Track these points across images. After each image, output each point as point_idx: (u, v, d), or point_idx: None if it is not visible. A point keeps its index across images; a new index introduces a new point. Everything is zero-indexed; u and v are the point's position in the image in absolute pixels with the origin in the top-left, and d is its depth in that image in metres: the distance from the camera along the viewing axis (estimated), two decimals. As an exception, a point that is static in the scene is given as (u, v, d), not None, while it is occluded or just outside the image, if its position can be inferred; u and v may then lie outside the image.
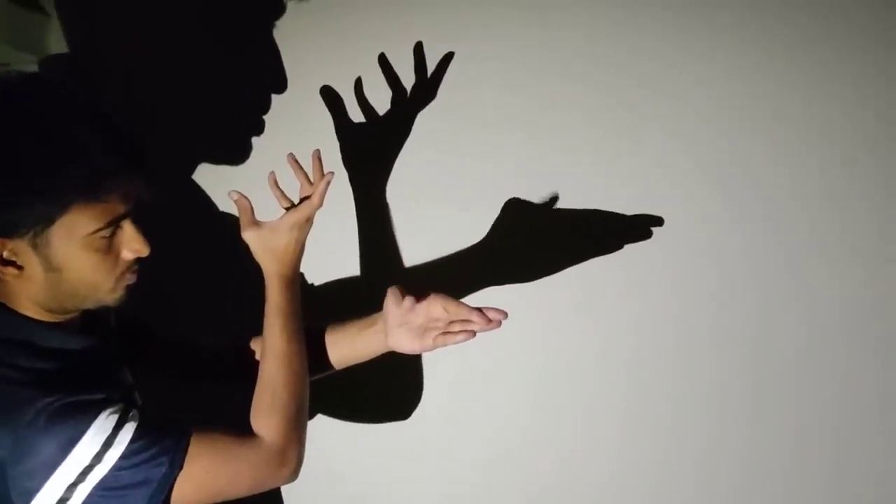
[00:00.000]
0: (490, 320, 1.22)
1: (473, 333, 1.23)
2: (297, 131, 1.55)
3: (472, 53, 1.55)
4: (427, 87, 1.57)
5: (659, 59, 1.51)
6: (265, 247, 1.23)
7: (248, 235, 1.23)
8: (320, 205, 1.23)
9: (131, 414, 1.06)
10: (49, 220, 1.02)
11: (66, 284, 1.07)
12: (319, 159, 1.26)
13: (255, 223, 1.24)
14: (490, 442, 1.63)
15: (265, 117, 1.57)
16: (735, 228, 1.53)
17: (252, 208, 1.24)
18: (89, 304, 1.12)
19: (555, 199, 1.55)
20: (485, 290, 1.57)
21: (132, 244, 1.09)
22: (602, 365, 1.58)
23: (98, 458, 1.03)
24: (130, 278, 1.12)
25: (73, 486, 1.03)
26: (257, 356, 1.31)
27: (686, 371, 1.56)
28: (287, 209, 1.25)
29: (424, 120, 1.57)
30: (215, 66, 1.59)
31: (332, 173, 1.23)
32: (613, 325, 1.57)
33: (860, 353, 1.53)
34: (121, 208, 1.06)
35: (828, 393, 1.54)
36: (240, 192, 1.24)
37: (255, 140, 1.58)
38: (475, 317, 1.22)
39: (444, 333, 1.25)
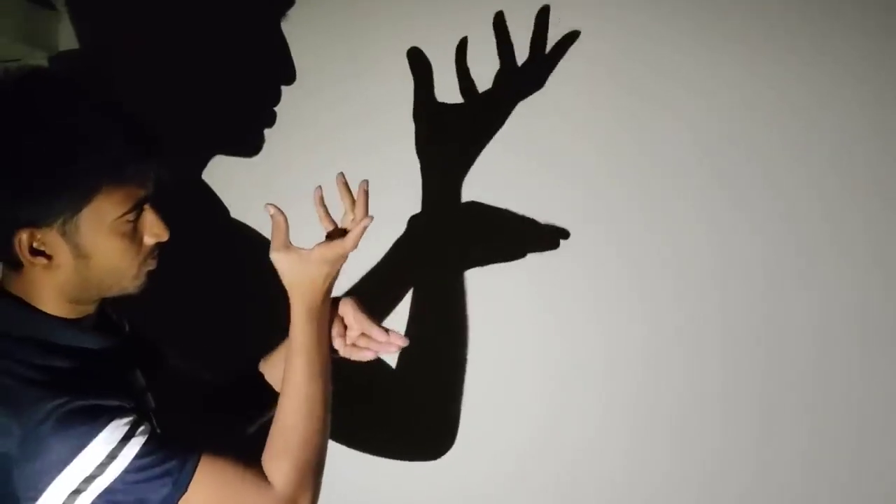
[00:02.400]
0: (391, 343, 1.21)
1: (376, 354, 1.22)
2: (306, 125, 1.56)
3: (472, 45, 1.53)
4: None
5: (666, 53, 1.49)
6: (293, 274, 1.14)
7: (277, 258, 1.14)
8: (354, 248, 1.14)
9: (140, 429, 1.05)
10: (77, 208, 1.04)
11: (94, 271, 1.08)
12: (366, 192, 1.16)
13: (287, 246, 1.14)
14: (500, 443, 1.61)
15: (276, 109, 1.57)
16: (746, 225, 1.50)
17: (288, 228, 1.14)
18: (114, 292, 1.13)
19: (561, 196, 1.53)
20: (492, 288, 1.56)
21: (153, 229, 1.11)
22: (613, 366, 1.56)
23: (101, 468, 1.02)
24: (151, 264, 1.13)
25: (75, 494, 1.02)
26: (272, 382, 1.28)
27: (697, 371, 1.54)
28: (327, 235, 1.16)
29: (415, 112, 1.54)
30: (224, 59, 1.58)
31: (371, 218, 1.13)
32: (624, 324, 1.55)
33: (872, 353, 1.49)
34: (143, 191, 1.08)
35: (841, 394, 1.50)
36: (277, 207, 1.14)
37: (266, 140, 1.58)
38: (375, 333, 1.21)
39: (352, 346, 1.23)
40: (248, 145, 1.58)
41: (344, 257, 1.16)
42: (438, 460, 1.61)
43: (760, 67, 1.47)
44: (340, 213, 1.19)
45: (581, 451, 1.57)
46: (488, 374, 1.59)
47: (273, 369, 1.28)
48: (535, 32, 1.50)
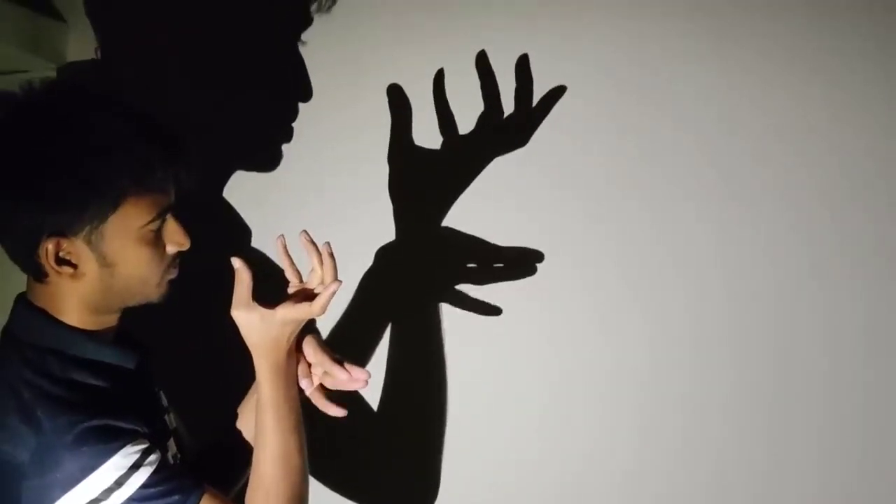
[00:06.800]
0: (352, 377, 1.16)
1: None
2: (323, 142, 1.56)
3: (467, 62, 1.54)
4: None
5: (669, 57, 1.50)
6: (255, 334, 1.12)
7: (238, 316, 1.11)
8: (322, 313, 1.12)
9: (150, 458, 1.05)
10: (104, 216, 1.05)
11: (119, 280, 1.09)
12: (331, 255, 1.13)
13: (249, 304, 1.11)
14: (501, 450, 1.59)
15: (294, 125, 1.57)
16: (752, 229, 1.50)
17: (252, 286, 1.11)
18: (137, 300, 1.13)
19: (565, 201, 1.53)
20: (497, 294, 1.55)
21: (175, 237, 1.11)
22: (616, 372, 1.55)
23: (107, 493, 1.02)
24: (173, 272, 1.14)
25: None
26: (243, 430, 1.25)
27: (703, 376, 1.53)
28: (287, 296, 1.14)
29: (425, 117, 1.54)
30: (242, 77, 1.58)
31: (340, 283, 1.11)
32: (631, 330, 1.54)
33: (880, 353, 1.49)
34: (167, 199, 1.09)
35: (849, 397, 1.50)
36: (243, 261, 1.11)
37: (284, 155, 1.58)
38: (336, 371, 1.16)
39: (320, 386, 1.19)
40: (267, 160, 1.58)
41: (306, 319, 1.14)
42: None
43: (766, 71, 1.48)
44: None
45: (585, 460, 1.57)
46: (489, 382, 1.58)
47: (245, 420, 1.24)
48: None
